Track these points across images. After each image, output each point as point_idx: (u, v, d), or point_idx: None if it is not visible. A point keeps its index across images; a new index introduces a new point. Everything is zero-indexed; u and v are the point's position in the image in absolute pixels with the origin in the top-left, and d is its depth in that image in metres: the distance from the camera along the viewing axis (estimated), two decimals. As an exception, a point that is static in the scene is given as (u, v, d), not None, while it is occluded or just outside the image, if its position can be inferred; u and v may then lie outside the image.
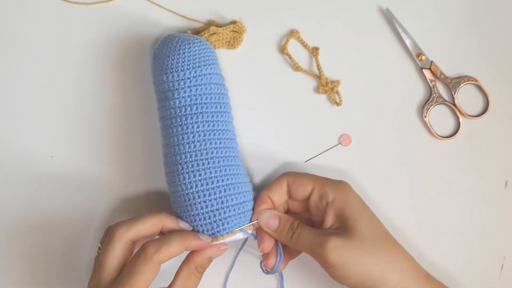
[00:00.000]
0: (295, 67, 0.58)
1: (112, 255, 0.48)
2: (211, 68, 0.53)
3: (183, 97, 0.51)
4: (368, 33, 0.59)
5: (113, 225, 0.49)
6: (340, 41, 0.59)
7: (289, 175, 0.53)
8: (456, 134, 0.58)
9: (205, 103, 0.52)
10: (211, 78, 0.53)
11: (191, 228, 0.51)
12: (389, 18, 0.58)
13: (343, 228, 0.50)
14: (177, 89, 0.52)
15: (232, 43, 0.58)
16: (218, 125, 0.52)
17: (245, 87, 0.58)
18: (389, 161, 0.58)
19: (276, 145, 0.58)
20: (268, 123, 0.58)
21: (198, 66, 0.52)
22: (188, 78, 0.52)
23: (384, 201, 0.58)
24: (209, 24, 0.58)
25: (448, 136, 0.58)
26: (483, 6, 0.59)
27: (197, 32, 0.58)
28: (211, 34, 0.57)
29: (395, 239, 0.52)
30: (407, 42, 0.58)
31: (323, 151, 0.58)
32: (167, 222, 0.50)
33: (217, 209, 0.51)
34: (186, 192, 0.51)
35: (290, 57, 0.58)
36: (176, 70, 0.52)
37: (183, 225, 0.51)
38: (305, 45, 0.59)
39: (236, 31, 0.58)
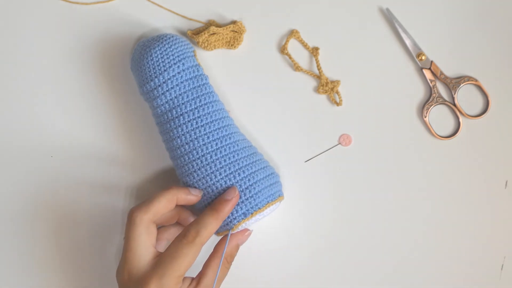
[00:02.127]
0: (295, 67, 0.58)
1: (138, 241, 0.49)
2: (178, 67, 0.52)
3: (161, 104, 0.52)
4: (368, 33, 0.59)
5: (130, 211, 0.50)
6: (340, 41, 0.59)
7: None
8: (456, 134, 0.58)
9: (182, 104, 0.52)
10: (181, 76, 0.52)
11: (201, 193, 0.52)
12: (389, 18, 0.58)
13: None
14: (153, 99, 0.53)
15: (232, 43, 0.58)
16: (202, 120, 0.52)
17: (245, 87, 0.58)
18: (389, 161, 0.58)
19: (276, 145, 0.58)
20: (268, 123, 0.58)
21: (164, 70, 0.52)
22: (158, 86, 0.52)
23: (383, 201, 0.58)
24: (209, 24, 0.58)
25: (448, 136, 0.58)
26: (483, 6, 0.59)
27: (197, 32, 0.58)
28: (211, 34, 0.57)
29: None
30: (407, 42, 0.58)
31: (323, 151, 0.58)
32: (180, 194, 0.51)
33: (246, 188, 0.52)
34: (207, 184, 0.52)
35: (290, 57, 0.58)
36: (146, 81, 0.53)
37: (195, 191, 0.52)
38: (305, 45, 0.59)
39: (236, 31, 0.58)
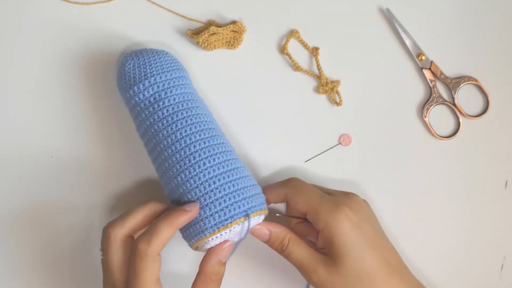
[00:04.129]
0: (295, 67, 0.58)
1: (114, 257, 0.47)
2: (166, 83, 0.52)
3: (156, 118, 0.51)
4: (368, 33, 0.59)
5: (105, 226, 0.48)
6: (340, 41, 0.59)
7: (291, 188, 0.52)
8: (456, 134, 0.58)
9: (170, 117, 0.51)
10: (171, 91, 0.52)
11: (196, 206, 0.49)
12: (389, 18, 0.59)
13: (333, 257, 0.48)
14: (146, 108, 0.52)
15: (232, 43, 0.58)
16: (186, 130, 0.50)
17: (245, 87, 0.58)
18: (389, 161, 0.58)
19: (276, 145, 0.58)
20: (268, 123, 0.58)
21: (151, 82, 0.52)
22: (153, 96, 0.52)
23: (383, 201, 0.58)
24: (209, 24, 0.58)
25: (448, 136, 0.58)
26: (483, 6, 0.59)
27: (197, 32, 0.58)
28: (211, 34, 0.57)
29: (400, 274, 0.49)
30: (407, 42, 0.58)
31: (323, 151, 0.58)
32: (158, 208, 0.49)
33: (221, 196, 0.49)
34: (188, 189, 0.49)
35: (290, 57, 0.58)
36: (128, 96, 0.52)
37: (187, 207, 0.48)
38: (305, 45, 0.59)
39: (236, 31, 0.58)
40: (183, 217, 0.47)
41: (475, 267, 0.58)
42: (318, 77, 0.58)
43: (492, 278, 0.58)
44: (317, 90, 0.58)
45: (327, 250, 0.49)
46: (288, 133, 0.58)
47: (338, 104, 0.58)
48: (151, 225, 0.47)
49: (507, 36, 0.59)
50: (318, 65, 0.58)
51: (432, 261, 0.57)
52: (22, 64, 0.58)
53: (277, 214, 0.55)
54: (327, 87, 0.58)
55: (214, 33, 0.57)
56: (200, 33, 0.57)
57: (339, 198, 0.51)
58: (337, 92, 0.58)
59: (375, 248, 0.49)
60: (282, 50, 0.58)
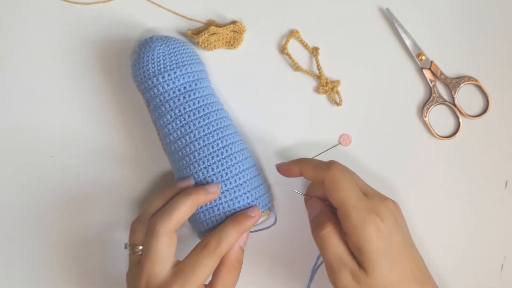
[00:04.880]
0: (295, 67, 0.58)
1: (160, 252, 0.48)
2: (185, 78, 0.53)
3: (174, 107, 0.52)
4: (368, 33, 0.59)
5: (152, 222, 0.49)
6: (340, 41, 0.59)
7: (329, 179, 0.49)
8: (456, 134, 0.58)
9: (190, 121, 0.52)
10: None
11: (219, 187, 0.51)
12: (389, 18, 0.59)
13: (363, 263, 0.47)
14: (171, 99, 0.52)
15: (232, 43, 0.58)
16: (218, 123, 0.52)
17: (245, 87, 0.58)
18: (389, 161, 0.58)
19: (276, 145, 0.58)
20: (268, 123, 0.58)
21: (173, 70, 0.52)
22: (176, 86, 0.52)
23: (384, 201, 0.58)
24: (209, 24, 0.58)
25: (448, 136, 0.58)
26: (483, 6, 0.59)
27: (197, 32, 0.58)
28: (211, 34, 0.57)
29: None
30: (407, 42, 0.58)
31: (323, 151, 0.58)
32: (199, 197, 0.50)
33: (250, 190, 0.52)
34: (218, 181, 0.51)
35: (290, 57, 0.58)
36: (146, 81, 0.52)
37: (212, 188, 0.51)
38: (305, 45, 0.59)
39: (236, 31, 0.58)
40: (250, 223, 0.51)
41: (475, 267, 0.58)
42: (318, 77, 0.58)
43: (492, 278, 0.58)
44: (317, 90, 0.58)
45: (355, 257, 0.48)
46: (288, 133, 0.58)
47: (338, 104, 0.58)
48: (221, 228, 0.50)
49: (507, 36, 0.59)
50: (318, 65, 0.58)
51: (431, 261, 0.57)
52: (21, 63, 0.58)
53: (304, 195, 0.54)
54: (327, 87, 0.58)
55: (214, 33, 0.57)
56: (200, 33, 0.57)
57: (373, 204, 0.48)
58: (337, 92, 0.58)
59: (403, 260, 0.48)
60: (282, 50, 0.58)
